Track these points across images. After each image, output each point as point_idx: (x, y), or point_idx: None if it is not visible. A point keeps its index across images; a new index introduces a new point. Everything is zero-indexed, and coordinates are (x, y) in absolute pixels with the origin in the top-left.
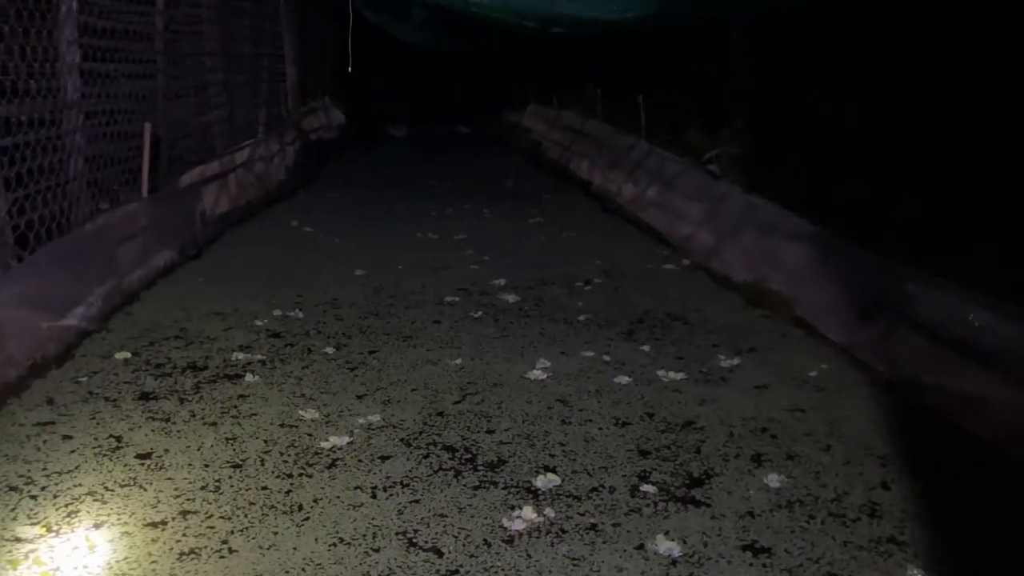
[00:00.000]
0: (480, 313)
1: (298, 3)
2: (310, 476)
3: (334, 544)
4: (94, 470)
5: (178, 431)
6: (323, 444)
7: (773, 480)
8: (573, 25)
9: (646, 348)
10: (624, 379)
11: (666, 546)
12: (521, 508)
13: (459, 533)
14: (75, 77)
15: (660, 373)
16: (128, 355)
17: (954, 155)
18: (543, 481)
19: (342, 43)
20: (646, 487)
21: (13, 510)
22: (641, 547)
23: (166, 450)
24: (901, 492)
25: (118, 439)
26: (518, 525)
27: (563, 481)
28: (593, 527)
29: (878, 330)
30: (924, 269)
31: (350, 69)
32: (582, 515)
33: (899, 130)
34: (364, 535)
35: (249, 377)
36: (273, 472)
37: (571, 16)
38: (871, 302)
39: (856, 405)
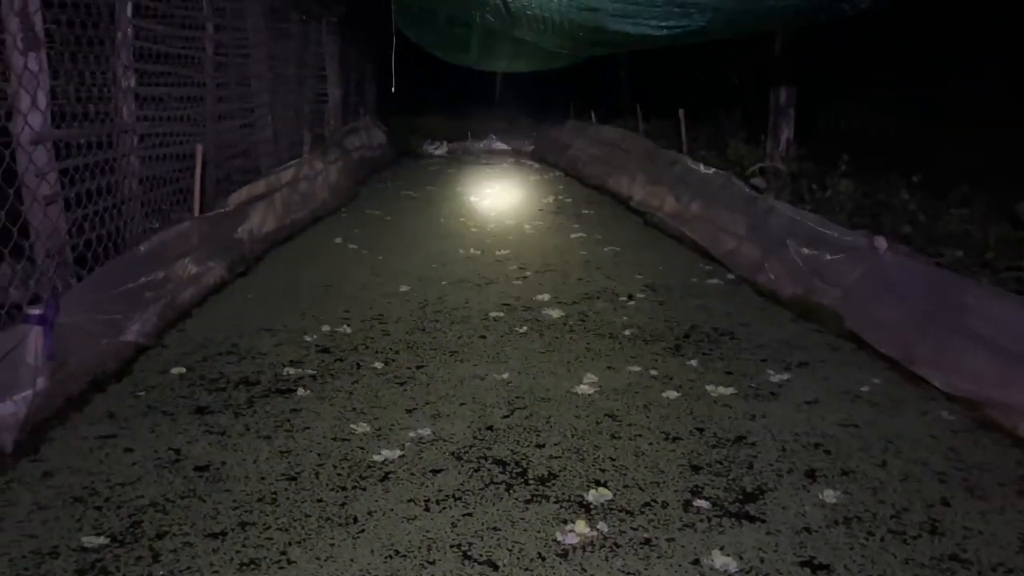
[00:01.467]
0: (525, 328)
1: (340, 26)
2: (364, 489)
3: (390, 556)
4: (155, 482)
5: (234, 444)
6: (375, 457)
7: (829, 496)
8: (619, 43)
9: (694, 363)
10: (672, 394)
11: (722, 561)
12: (574, 522)
13: (513, 547)
14: (130, 101)
15: (709, 388)
16: (183, 370)
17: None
18: (595, 495)
19: (382, 63)
20: (699, 502)
21: (79, 520)
22: (696, 562)
23: (223, 462)
24: (962, 509)
25: (177, 452)
26: (571, 539)
27: (615, 496)
28: (647, 542)
29: (933, 342)
30: (980, 278)
31: (393, 89)
32: (635, 530)
33: (948, 139)
34: (419, 548)
35: (301, 392)
36: (327, 485)
37: (620, 32)
38: (925, 314)
39: (912, 420)
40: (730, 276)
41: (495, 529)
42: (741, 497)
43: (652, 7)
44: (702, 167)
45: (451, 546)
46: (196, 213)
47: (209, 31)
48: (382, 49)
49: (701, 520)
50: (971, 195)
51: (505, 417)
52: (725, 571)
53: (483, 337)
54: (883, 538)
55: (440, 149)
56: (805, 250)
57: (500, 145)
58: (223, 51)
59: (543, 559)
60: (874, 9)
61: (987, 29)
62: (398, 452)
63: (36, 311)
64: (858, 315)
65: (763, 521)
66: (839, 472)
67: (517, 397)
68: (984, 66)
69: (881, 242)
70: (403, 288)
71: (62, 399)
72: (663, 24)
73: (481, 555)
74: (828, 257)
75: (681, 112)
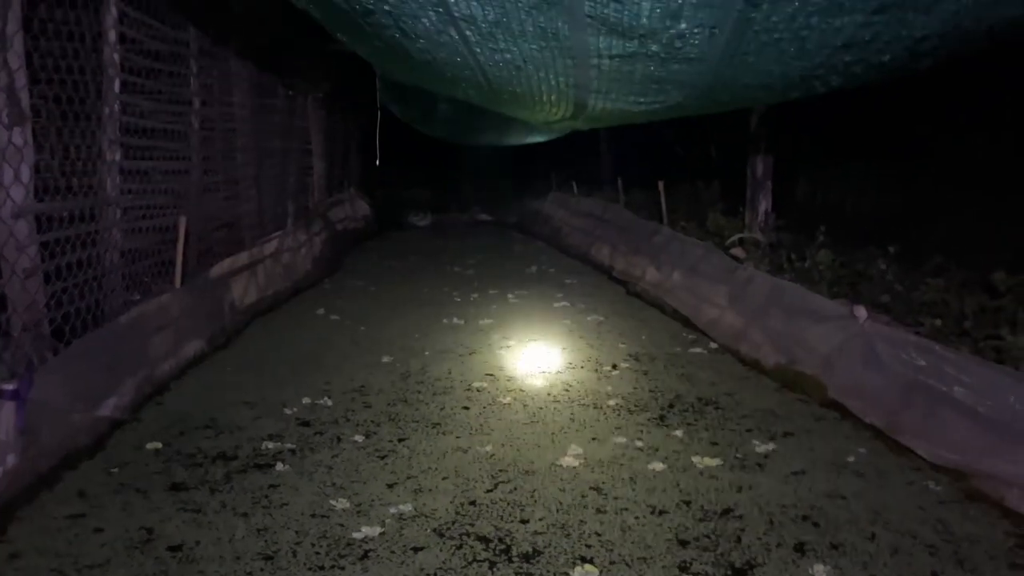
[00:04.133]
0: (509, 399)
1: (326, 101)
2: (342, 568)
3: None
4: (125, 564)
5: (209, 522)
6: (355, 535)
7: (819, 571)
8: (598, 119)
9: (679, 433)
10: (658, 466)
11: None
12: None
13: None
14: (115, 175)
15: (695, 459)
16: (159, 445)
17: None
18: (580, 573)
19: (367, 136)
20: None
21: None
22: None
23: (197, 542)
24: None
25: (149, 531)
26: None
27: (601, 572)
28: None
29: (916, 412)
30: (959, 347)
31: (378, 162)
32: None
33: (923, 211)
34: None
35: (279, 466)
36: (305, 564)
37: (598, 107)
38: (906, 383)
39: (899, 491)
40: (713, 345)
41: None
42: (730, 572)
43: (630, 83)
44: (682, 237)
45: None
46: (177, 285)
47: (196, 106)
48: (367, 123)
49: None
50: (946, 265)
51: (488, 491)
52: None
53: (466, 408)
54: None
55: (425, 220)
56: (786, 319)
57: (484, 216)
58: (209, 125)
59: None
60: (844, 87)
61: (960, 104)
62: (378, 529)
63: (9, 386)
64: (841, 384)
65: None
66: (828, 546)
67: (500, 470)
68: (958, 140)
69: (861, 311)
70: (385, 359)
71: (32, 476)
72: (641, 99)
73: None
74: (809, 326)
75: (661, 184)
